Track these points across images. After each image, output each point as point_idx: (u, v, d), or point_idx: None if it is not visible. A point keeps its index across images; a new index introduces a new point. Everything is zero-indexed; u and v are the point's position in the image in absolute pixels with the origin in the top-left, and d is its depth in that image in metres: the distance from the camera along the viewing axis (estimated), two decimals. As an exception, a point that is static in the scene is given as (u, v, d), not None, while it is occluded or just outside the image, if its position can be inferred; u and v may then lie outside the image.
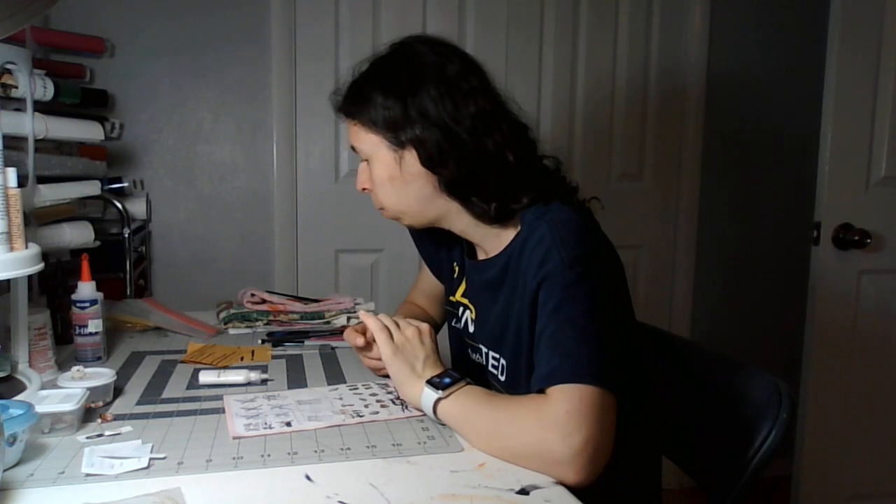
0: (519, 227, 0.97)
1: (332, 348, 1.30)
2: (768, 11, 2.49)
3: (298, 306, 1.49)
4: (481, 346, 1.07)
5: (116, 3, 2.07)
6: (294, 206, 2.27)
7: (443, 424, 0.90)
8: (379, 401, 0.99)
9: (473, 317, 1.09)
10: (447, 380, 0.90)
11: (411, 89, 0.95)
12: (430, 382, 0.91)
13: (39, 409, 0.82)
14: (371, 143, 0.99)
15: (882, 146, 1.97)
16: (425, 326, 0.98)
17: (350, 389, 1.05)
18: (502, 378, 1.01)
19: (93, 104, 1.95)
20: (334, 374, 1.14)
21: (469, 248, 1.11)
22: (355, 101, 1.00)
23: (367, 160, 1.02)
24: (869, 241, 1.94)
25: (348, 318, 1.46)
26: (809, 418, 2.02)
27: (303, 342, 1.32)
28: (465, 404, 0.88)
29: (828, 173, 1.94)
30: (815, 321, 2.01)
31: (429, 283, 1.33)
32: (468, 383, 0.91)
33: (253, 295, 1.51)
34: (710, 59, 2.46)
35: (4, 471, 0.71)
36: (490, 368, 1.03)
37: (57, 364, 1.13)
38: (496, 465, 0.81)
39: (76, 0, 1.98)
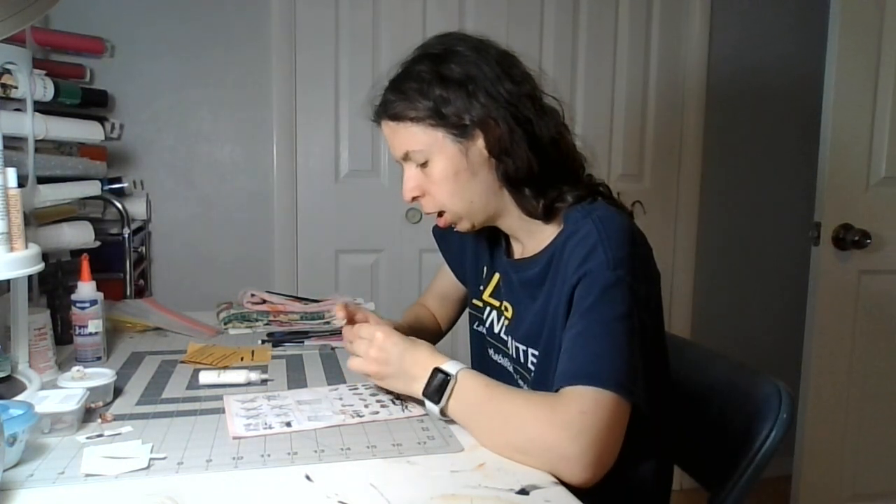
0: (562, 226, 0.96)
1: (332, 348, 1.30)
2: (768, 11, 2.50)
3: (298, 307, 1.49)
4: (517, 345, 1.05)
5: (116, 3, 2.07)
6: (294, 206, 2.27)
7: (444, 426, 0.90)
8: (379, 401, 0.99)
9: (509, 315, 1.07)
10: (438, 384, 0.88)
11: (468, 76, 0.93)
12: (425, 395, 0.89)
13: (39, 409, 0.82)
14: (432, 140, 0.95)
15: (882, 146, 1.97)
16: (378, 336, 0.95)
17: (350, 389, 1.05)
18: (532, 375, 1.00)
19: (93, 104, 1.95)
20: (334, 375, 1.14)
21: (507, 247, 1.10)
22: (409, 101, 0.95)
23: (421, 164, 0.98)
24: (869, 241, 1.94)
25: (348, 318, 1.46)
26: (809, 418, 2.02)
27: (303, 342, 1.32)
28: (464, 401, 0.87)
29: (828, 173, 1.94)
30: (815, 321, 2.01)
31: (445, 286, 1.33)
32: (460, 371, 0.88)
33: (253, 295, 1.51)
34: (710, 59, 2.47)
35: (4, 471, 0.71)
36: (529, 365, 1.02)
37: (57, 364, 1.13)
38: (496, 465, 0.81)
39: (76, 0, 1.99)
